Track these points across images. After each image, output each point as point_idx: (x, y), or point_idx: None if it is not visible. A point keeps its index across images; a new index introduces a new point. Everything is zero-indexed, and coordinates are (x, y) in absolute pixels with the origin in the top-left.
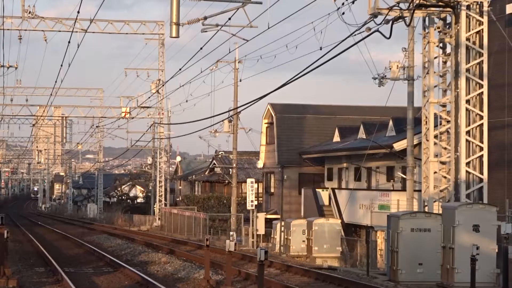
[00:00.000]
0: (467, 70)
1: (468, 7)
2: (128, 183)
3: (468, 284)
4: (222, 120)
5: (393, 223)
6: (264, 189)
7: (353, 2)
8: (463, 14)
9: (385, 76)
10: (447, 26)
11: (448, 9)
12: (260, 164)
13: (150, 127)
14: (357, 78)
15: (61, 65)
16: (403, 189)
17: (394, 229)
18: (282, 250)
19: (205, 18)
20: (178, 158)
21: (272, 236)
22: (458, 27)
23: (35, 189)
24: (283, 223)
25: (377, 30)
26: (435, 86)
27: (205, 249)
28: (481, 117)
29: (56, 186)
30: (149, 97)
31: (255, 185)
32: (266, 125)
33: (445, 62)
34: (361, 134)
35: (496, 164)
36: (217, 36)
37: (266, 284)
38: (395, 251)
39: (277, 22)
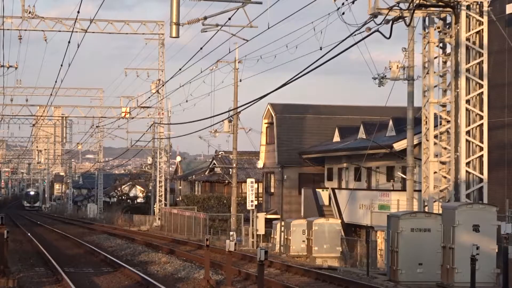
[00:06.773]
0: (467, 70)
1: (468, 7)
2: (128, 183)
3: (468, 284)
4: (222, 120)
5: (393, 223)
6: (264, 189)
7: (353, 2)
8: (463, 14)
9: (385, 76)
10: (447, 26)
11: (448, 9)
12: (260, 164)
13: (150, 127)
14: (357, 78)
15: (61, 65)
16: (403, 189)
17: (394, 229)
18: (282, 250)
19: (205, 18)
20: (178, 158)
21: (272, 236)
22: (458, 27)
23: (31, 193)
24: (283, 223)
25: (377, 30)
26: (435, 86)
27: (205, 249)
28: (481, 117)
29: (56, 186)
30: (149, 97)
31: (255, 185)
32: (266, 125)
33: (445, 62)
34: (361, 134)
35: (496, 164)
36: (217, 36)
37: (266, 284)
38: (395, 251)
39: (277, 22)
